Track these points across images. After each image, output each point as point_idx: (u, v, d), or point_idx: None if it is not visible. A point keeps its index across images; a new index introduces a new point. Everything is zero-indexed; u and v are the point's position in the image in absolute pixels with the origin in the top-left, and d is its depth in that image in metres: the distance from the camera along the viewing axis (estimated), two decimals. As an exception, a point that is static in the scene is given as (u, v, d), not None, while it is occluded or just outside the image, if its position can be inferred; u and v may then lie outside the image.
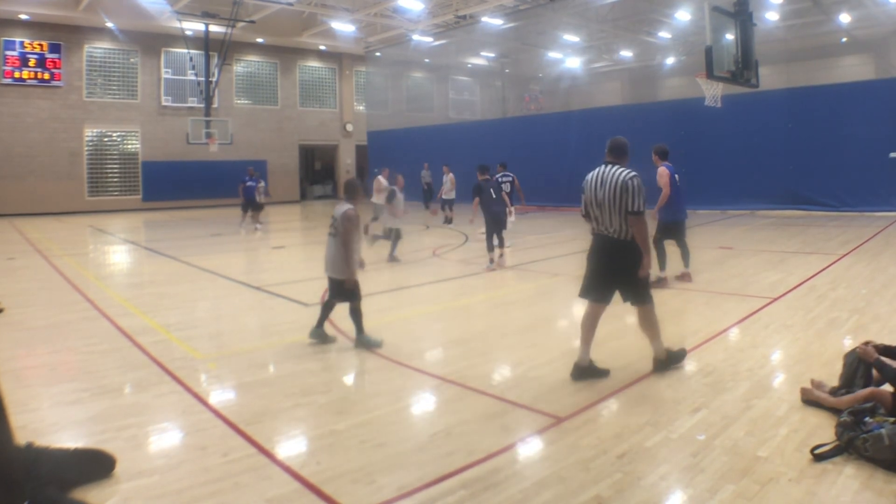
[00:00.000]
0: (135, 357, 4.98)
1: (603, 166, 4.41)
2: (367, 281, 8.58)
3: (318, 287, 7.75)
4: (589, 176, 4.44)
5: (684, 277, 7.75)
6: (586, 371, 4.31)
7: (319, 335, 5.32)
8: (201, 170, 25.39)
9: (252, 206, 15.75)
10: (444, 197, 16.05)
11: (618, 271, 4.30)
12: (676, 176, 7.53)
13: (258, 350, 5.21)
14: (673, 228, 7.64)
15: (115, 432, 3.51)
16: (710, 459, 3.05)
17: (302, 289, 7.75)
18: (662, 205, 7.49)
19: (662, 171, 7.50)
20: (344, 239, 5.08)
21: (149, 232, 17.12)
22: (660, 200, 7.47)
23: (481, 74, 35.60)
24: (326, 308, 5.30)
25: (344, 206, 5.19)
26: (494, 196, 9.24)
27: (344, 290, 5.17)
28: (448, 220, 15.73)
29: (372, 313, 6.53)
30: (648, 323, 4.39)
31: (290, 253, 12.15)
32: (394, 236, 9.96)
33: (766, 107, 16.23)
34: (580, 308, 6.96)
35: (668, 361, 4.41)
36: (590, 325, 4.39)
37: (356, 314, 5.20)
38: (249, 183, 15.74)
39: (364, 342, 5.17)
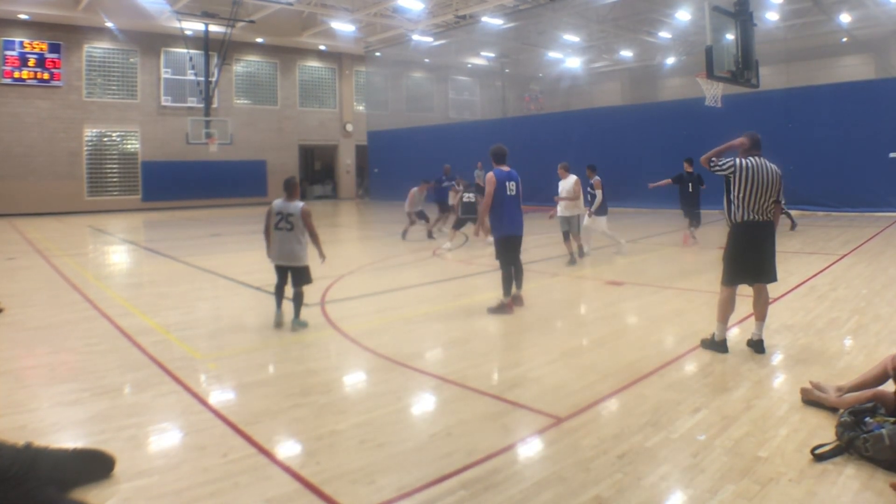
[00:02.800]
0: (134, 357, 4.98)
1: (756, 158, 4.66)
2: (369, 281, 8.61)
3: (319, 287, 7.75)
4: (753, 166, 4.61)
5: (516, 301, 6.49)
6: (724, 345, 4.82)
7: (301, 323, 5.79)
8: (201, 170, 25.40)
9: (444, 209, 13.87)
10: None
11: (772, 251, 4.77)
12: (511, 184, 6.31)
13: (258, 350, 5.21)
14: (510, 244, 6.43)
15: (114, 432, 3.50)
16: (710, 460, 3.04)
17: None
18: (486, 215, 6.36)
19: (489, 177, 6.27)
20: (312, 232, 5.71)
21: (148, 232, 17.11)
22: (481, 210, 6.42)
23: (481, 74, 35.60)
24: (297, 298, 5.77)
25: (296, 204, 5.67)
26: (691, 190, 11.25)
27: (304, 275, 5.77)
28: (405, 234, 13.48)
29: (372, 313, 6.54)
30: (767, 300, 4.85)
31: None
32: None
33: (766, 107, 16.23)
34: (580, 308, 7.00)
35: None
36: (733, 306, 4.83)
37: (301, 298, 5.75)
38: (446, 183, 13.97)
39: (301, 324, 5.76)
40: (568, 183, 9.49)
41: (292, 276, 5.80)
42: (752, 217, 4.62)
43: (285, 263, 5.76)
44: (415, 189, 13.40)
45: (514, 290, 6.50)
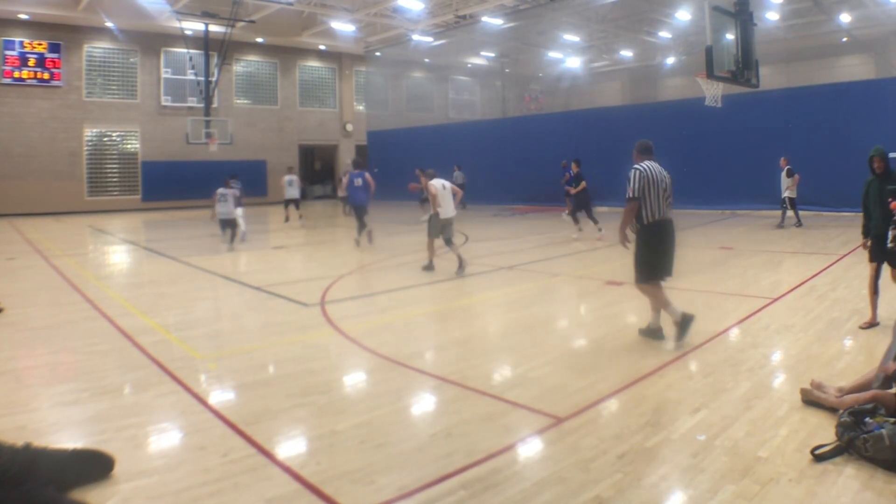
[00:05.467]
0: (134, 357, 4.98)
1: (650, 162, 5.14)
2: (369, 281, 8.61)
3: (318, 287, 7.76)
4: (647, 169, 5.06)
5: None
6: (660, 332, 5.18)
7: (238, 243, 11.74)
8: (201, 170, 25.33)
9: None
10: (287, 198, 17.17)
11: (673, 247, 5.21)
12: (356, 180, 11.83)
13: (258, 350, 5.21)
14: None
15: (114, 432, 3.50)
16: (710, 460, 3.04)
17: (302, 289, 7.75)
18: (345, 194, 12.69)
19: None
20: (238, 202, 12.19)
21: (148, 232, 17.11)
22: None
23: (481, 74, 35.59)
24: (234, 235, 12.28)
25: (231, 189, 12.09)
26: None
27: (236, 223, 12.17)
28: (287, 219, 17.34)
29: (372, 313, 6.54)
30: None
31: (290, 253, 12.15)
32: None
33: (766, 107, 16.22)
34: (580, 308, 7.00)
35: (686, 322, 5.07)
36: (664, 295, 5.12)
37: (235, 233, 12.18)
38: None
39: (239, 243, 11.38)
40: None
41: (231, 224, 12.12)
42: (656, 217, 5.03)
43: (227, 217, 12.02)
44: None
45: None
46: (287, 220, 17.24)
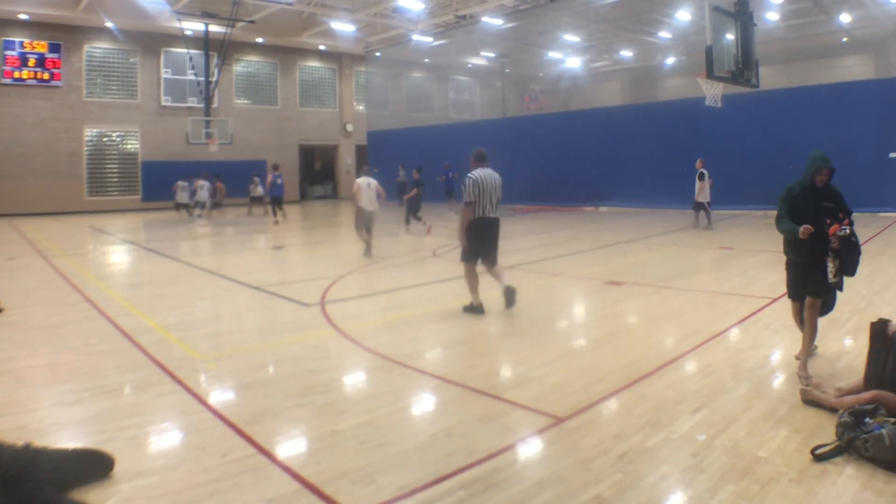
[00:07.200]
0: (134, 357, 4.98)
1: (483, 169, 6.25)
2: (369, 281, 8.61)
3: (318, 287, 7.76)
4: (482, 176, 6.17)
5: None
6: (480, 308, 6.29)
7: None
8: (201, 170, 25.24)
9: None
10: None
11: (496, 240, 6.41)
12: (277, 179, 17.65)
13: (258, 350, 5.21)
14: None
15: (114, 432, 3.50)
16: (710, 460, 3.04)
17: (302, 289, 7.76)
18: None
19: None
20: (192, 191, 18.85)
21: (148, 232, 17.11)
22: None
23: (481, 74, 35.59)
24: (197, 215, 18.87)
25: (187, 183, 19.15)
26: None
27: (190, 205, 18.99)
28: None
29: (372, 313, 6.54)
30: (499, 270, 6.45)
31: (290, 253, 12.15)
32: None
33: (766, 107, 16.23)
34: (579, 308, 7.01)
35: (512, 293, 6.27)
36: (476, 277, 6.34)
37: (197, 214, 18.84)
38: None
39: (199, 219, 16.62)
40: None
41: (186, 206, 19.24)
42: (480, 215, 6.16)
43: (183, 203, 19.45)
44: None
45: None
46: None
